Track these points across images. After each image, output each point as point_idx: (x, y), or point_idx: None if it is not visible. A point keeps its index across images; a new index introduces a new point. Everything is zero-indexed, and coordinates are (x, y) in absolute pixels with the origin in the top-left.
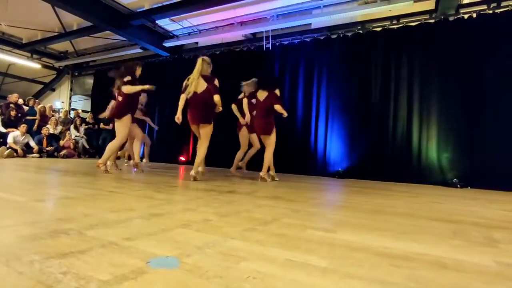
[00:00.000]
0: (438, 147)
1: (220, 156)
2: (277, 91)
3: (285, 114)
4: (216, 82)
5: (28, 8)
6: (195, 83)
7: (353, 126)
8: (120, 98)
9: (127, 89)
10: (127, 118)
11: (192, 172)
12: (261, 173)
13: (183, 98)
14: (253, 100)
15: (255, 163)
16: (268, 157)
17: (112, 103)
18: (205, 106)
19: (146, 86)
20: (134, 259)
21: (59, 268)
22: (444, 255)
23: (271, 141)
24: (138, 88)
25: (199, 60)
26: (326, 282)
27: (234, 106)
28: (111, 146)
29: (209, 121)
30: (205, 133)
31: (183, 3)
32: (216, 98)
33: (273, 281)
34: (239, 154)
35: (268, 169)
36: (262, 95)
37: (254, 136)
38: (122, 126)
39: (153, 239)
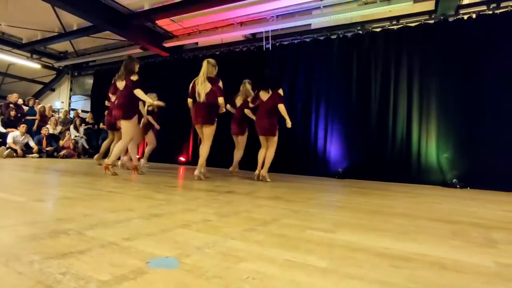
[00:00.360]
0: (437, 147)
1: (220, 156)
2: (280, 91)
3: (289, 124)
4: (220, 83)
5: (28, 8)
6: (202, 86)
7: (352, 127)
8: (121, 97)
9: (140, 93)
10: (136, 118)
11: (196, 172)
12: (262, 172)
13: (190, 102)
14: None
15: (253, 164)
16: (270, 157)
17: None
18: (209, 107)
19: (156, 103)
20: (133, 259)
21: (59, 268)
22: (443, 256)
23: (273, 142)
24: (149, 100)
25: (205, 63)
26: (325, 283)
27: (248, 111)
28: (120, 146)
29: (212, 122)
30: (207, 133)
31: (183, 3)
32: (221, 100)
33: (272, 282)
34: (238, 155)
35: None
36: (265, 95)
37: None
38: (132, 126)
39: (152, 239)
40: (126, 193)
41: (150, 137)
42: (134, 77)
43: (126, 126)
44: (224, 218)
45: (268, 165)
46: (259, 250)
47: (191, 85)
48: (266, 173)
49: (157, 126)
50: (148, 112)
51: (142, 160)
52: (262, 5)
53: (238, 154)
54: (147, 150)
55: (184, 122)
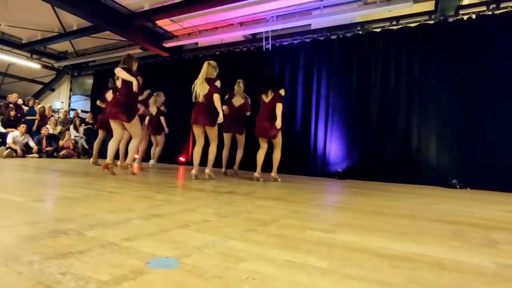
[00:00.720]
0: (437, 147)
1: (219, 156)
2: (282, 91)
3: (279, 124)
4: (217, 83)
5: (28, 8)
6: (201, 87)
7: (352, 127)
8: (120, 95)
9: (123, 74)
10: (137, 117)
11: (207, 170)
12: (272, 174)
13: None
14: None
15: (250, 164)
16: (277, 158)
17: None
18: (209, 108)
19: (135, 83)
20: (133, 260)
21: (58, 268)
22: (443, 256)
23: (278, 143)
24: (133, 80)
25: (205, 64)
26: (325, 283)
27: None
28: (133, 145)
29: (213, 124)
30: (212, 135)
31: (183, 4)
32: (215, 97)
33: (272, 282)
34: (240, 155)
35: (276, 170)
36: (266, 97)
37: (228, 136)
38: (137, 122)
39: (152, 240)
40: (126, 193)
41: (161, 138)
42: (123, 66)
43: (132, 125)
44: (224, 218)
45: (276, 166)
46: (259, 250)
47: (192, 88)
48: (276, 174)
49: (166, 130)
50: (160, 112)
51: (151, 161)
52: (262, 5)
53: (238, 154)
54: (157, 150)
55: (184, 122)
